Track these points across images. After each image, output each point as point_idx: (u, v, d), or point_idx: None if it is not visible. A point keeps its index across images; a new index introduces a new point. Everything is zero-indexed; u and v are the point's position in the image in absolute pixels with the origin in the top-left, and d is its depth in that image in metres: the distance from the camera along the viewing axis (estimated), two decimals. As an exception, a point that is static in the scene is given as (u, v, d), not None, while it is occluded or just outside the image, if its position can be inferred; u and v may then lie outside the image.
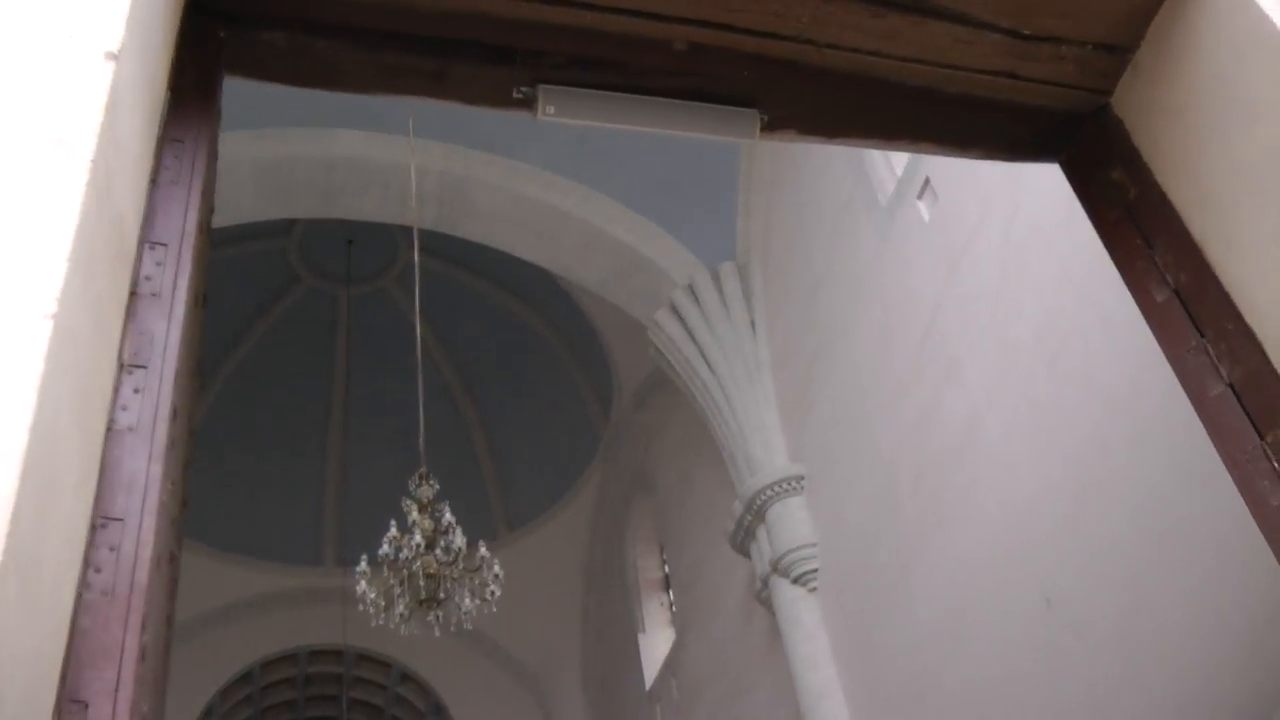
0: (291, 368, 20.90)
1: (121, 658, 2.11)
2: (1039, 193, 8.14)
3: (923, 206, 10.23)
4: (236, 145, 12.84)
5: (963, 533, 9.38)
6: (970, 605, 9.26)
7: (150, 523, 2.29)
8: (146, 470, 2.35)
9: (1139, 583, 7.20)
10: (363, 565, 11.62)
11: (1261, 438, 3.07)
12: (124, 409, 2.40)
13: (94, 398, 2.15)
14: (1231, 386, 3.20)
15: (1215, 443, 3.24)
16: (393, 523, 11.24)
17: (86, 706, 2.03)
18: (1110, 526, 7.51)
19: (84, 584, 2.15)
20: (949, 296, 9.67)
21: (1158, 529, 7.02)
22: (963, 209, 9.54)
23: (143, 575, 2.22)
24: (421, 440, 11.74)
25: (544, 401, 20.57)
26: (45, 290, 1.80)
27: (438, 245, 17.74)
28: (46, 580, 1.80)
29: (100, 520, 2.24)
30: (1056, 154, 4.05)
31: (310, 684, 23.12)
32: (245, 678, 21.92)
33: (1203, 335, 3.32)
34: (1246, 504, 3.10)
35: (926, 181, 10.15)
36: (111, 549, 2.22)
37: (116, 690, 2.07)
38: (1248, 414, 3.13)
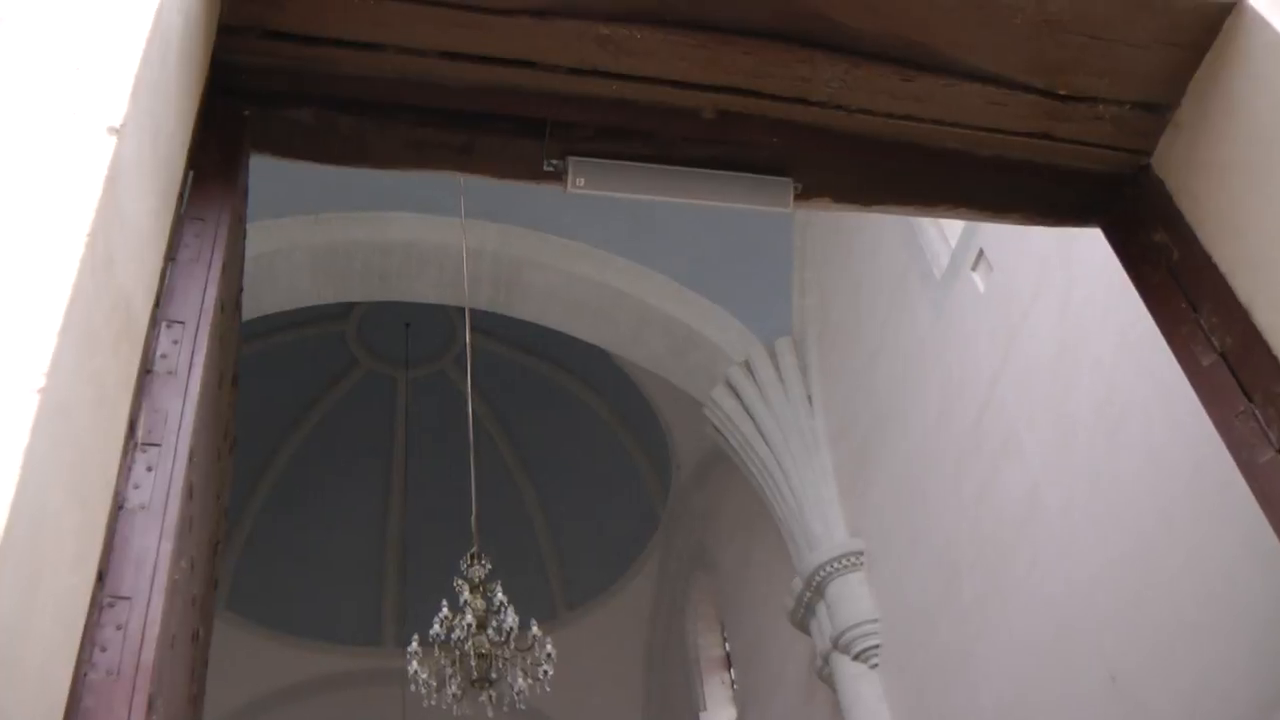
0: (351, 450, 21.03)
1: (126, 740, 2.06)
2: (1095, 261, 8.01)
3: (977, 278, 10.14)
4: (294, 231, 13.04)
5: (1024, 609, 9.17)
6: (1034, 683, 9.03)
7: (159, 601, 2.25)
8: (157, 548, 2.32)
9: (1204, 657, 6.98)
10: (414, 645, 11.56)
11: (1311, 504, 2.95)
12: (136, 487, 2.38)
13: (96, 474, 2.12)
14: (1280, 451, 3.09)
15: (1265, 511, 3.12)
16: (444, 603, 11.20)
17: (87, 790, 1.99)
18: (1175, 602, 7.29)
19: (89, 664, 2.11)
20: (1006, 369, 9.54)
21: (1222, 601, 6.81)
22: (1018, 280, 9.44)
23: (149, 655, 2.17)
24: (474, 519, 11.71)
25: (602, 480, 20.52)
26: (34, 364, 1.79)
27: (494, 326, 17.85)
28: (35, 658, 1.77)
29: (108, 599, 2.21)
30: (1097, 217, 3.97)
31: (371, 765, 22.96)
32: (307, 761, 21.81)
33: (1250, 400, 3.21)
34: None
35: (980, 253, 10.07)
36: (118, 628, 2.18)
37: (120, 774, 2.02)
38: (1299, 479, 3.01)
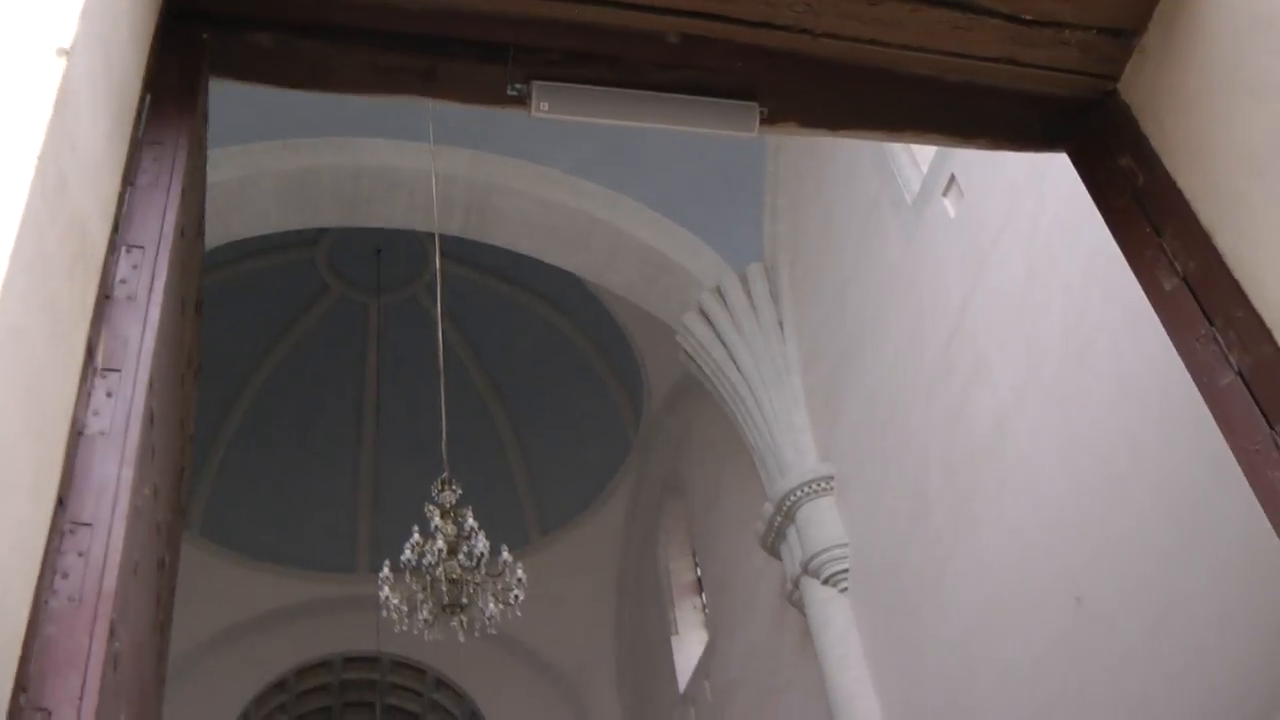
0: (323, 377, 21.00)
1: (87, 666, 2.07)
2: (1064, 187, 8.01)
3: (949, 204, 10.14)
4: (261, 157, 12.92)
5: (993, 532, 9.28)
6: (1001, 604, 9.16)
7: (121, 528, 2.25)
8: (118, 475, 2.31)
9: (1170, 580, 7.08)
10: (385, 571, 11.62)
11: (1271, 427, 2.98)
12: (95, 414, 2.37)
13: (53, 401, 2.11)
14: (1241, 375, 3.11)
15: (1224, 432, 3.15)
16: (415, 528, 11.24)
17: (50, 714, 2.00)
18: (1141, 523, 7.39)
19: (50, 591, 2.11)
20: (976, 294, 9.57)
21: (1189, 525, 6.90)
22: (989, 205, 9.44)
23: (111, 581, 2.18)
24: (444, 445, 11.72)
25: (575, 406, 20.56)
26: (-16, 292, 1.77)
27: (466, 253, 17.78)
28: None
29: (69, 526, 2.21)
30: (1064, 142, 3.97)
31: (346, 690, 23.16)
32: (280, 685, 21.97)
33: (1212, 324, 3.23)
34: (1256, 494, 3.02)
35: (952, 178, 10.06)
36: (80, 554, 2.19)
37: (81, 699, 2.03)
38: (1257, 403, 3.04)
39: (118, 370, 2.45)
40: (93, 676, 2.05)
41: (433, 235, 13.04)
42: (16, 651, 1.90)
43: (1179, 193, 3.43)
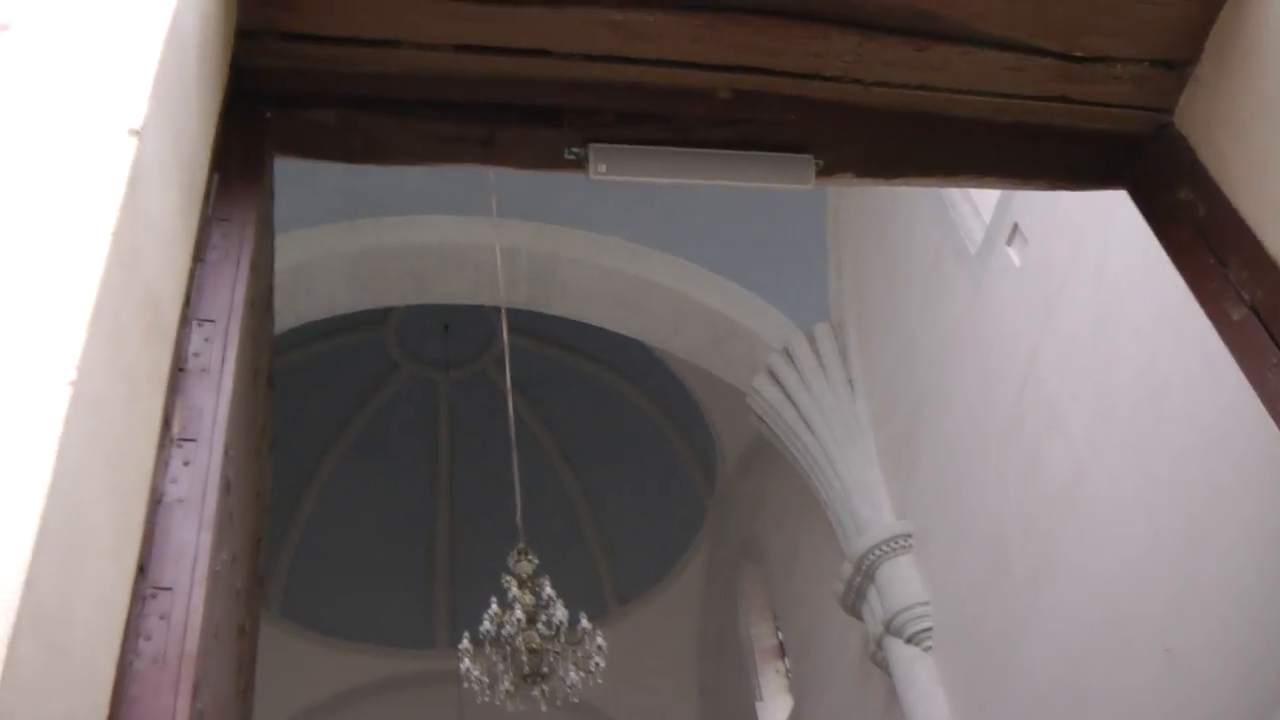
0: (396, 454, 21.18)
1: (173, 724, 2.11)
2: (1130, 229, 7.93)
3: (1013, 252, 10.09)
4: (328, 238, 13.17)
5: (1075, 585, 9.12)
6: (1088, 659, 8.98)
7: (200, 591, 2.30)
8: (196, 541, 2.37)
9: (1261, 630, 6.92)
10: (465, 643, 11.61)
11: (1348, 453, 2.93)
12: (174, 482, 2.43)
13: (131, 468, 2.17)
14: (1314, 402, 3.07)
15: (1303, 461, 3.10)
16: (493, 599, 11.25)
17: (138, 775, 2.03)
18: (1226, 570, 7.23)
19: (134, 653, 2.16)
20: (1045, 342, 9.49)
21: (1275, 570, 6.75)
22: (1053, 252, 9.38)
23: (193, 643, 2.22)
24: (518, 515, 11.75)
25: (647, 473, 20.55)
26: (65, 358, 1.83)
27: (532, 325, 17.92)
28: (80, 645, 1.82)
29: (150, 591, 2.26)
30: (1122, 179, 3.95)
31: (430, 769, 23.10)
32: (364, 764, 21.99)
33: (1284, 352, 3.19)
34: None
35: (1015, 227, 10.02)
36: (162, 617, 2.23)
37: (168, 758, 2.07)
38: (1332, 430, 3.00)
39: (194, 440, 2.51)
40: (178, 737, 2.08)
41: (499, 309, 13.17)
42: (105, 712, 1.95)
43: (1242, 221, 3.41)
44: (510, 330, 14.34)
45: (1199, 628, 7.57)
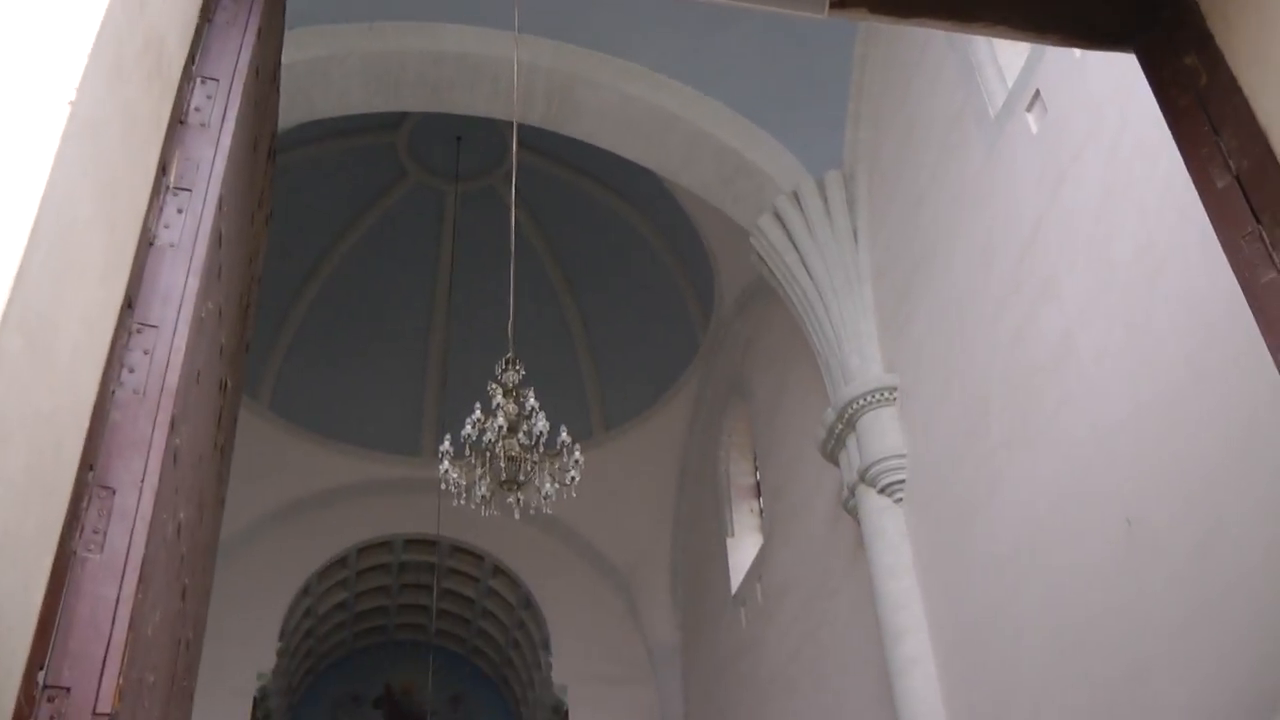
0: (397, 261, 21.25)
1: (149, 452, 2.23)
2: (1147, 108, 7.91)
3: (1031, 119, 10.03)
4: (348, 37, 13.05)
5: (1049, 450, 9.31)
6: (1052, 523, 9.21)
7: (185, 333, 2.40)
8: (184, 284, 2.46)
9: (1222, 507, 7.10)
10: (446, 445, 11.82)
11: (1310, 326, 3.01)
12: (166, 227, 2.51)
13: (124, 202, 2.25)
14: (1282, 273, 3.13)
15: (1263, 331, 3.19)
16: (477, 405, 11.42)
17: (114, 492, 2.16)
18: (1194, 447, 7.40)
19: (116, 382, 2.27)
20: (1051, 212, 9.51)
21: (1239, 450, 6.91)
22: (1071, 123, 9.33)
23: (174, 379, 2.34)
24: (510, 326, 11.84)
25: (645, 304, 20.65)
26: (66, 79, 1.90)
27: (545, 144, 17.85)
28: (64, 355, 1.92)
29: (136, 326, 2.36)
30: (1134, 41, 3.95)
31: (405, 571, 23.71)
32: (342, 561, 22.56)
33: (1259, 221, 3.25)
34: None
35: (1037, 93, 9.95)
36: (145, 352, 2.34)
37: (143, 480, 2.19)
38: (1298, 303, 3.07)
39: (189, 190, 2.59)
40: (154, 462, 2.21)
41: (512, 124, 13.09)
42: (84, 429, 2.06)
43: (1239, 91, 3.43)
44: (522, 147, 14.29)
45: (1162, 501, 7.77)
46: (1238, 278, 3.32)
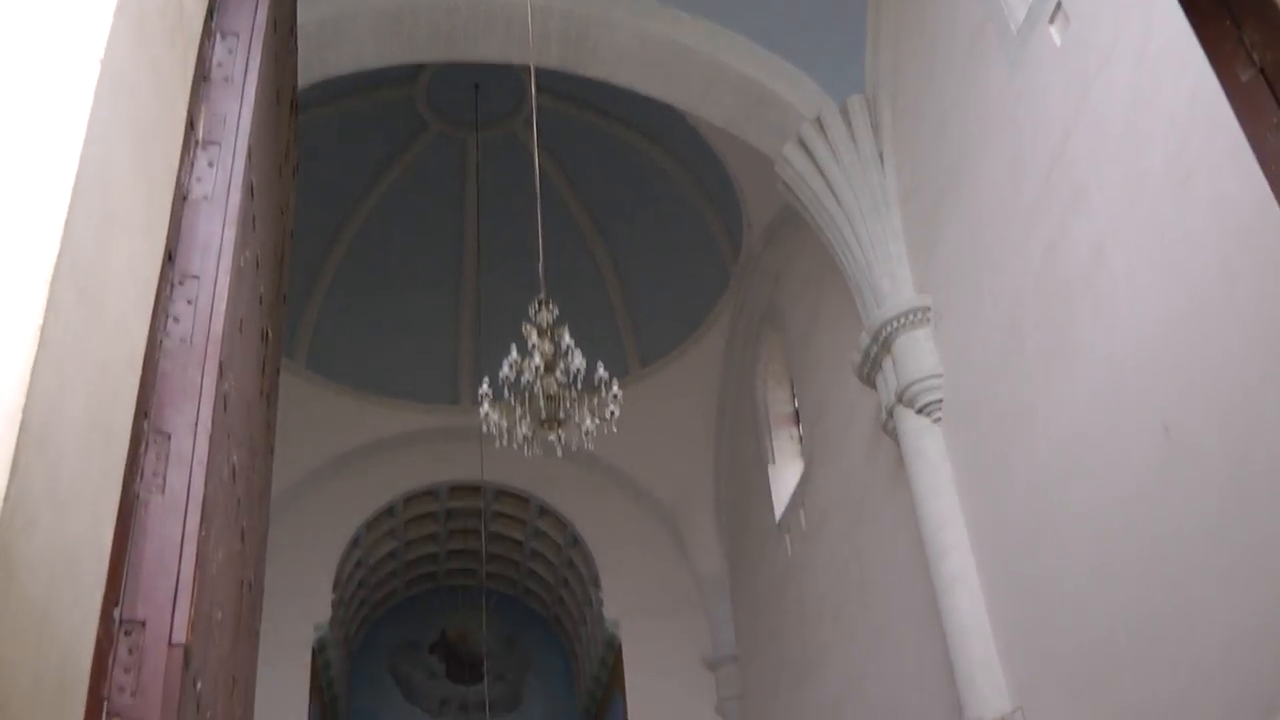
0: (423, 213, 21.27)
1: (200, 398, 2.29)
2: (1172, 15, 7.81)
3: (1054, 31, 9.92)
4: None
5: (1085, 363, 9.31)
6: (1090, 434, 9.23)
7: (225, 281, 2.46)
8: (221, 235, 2.52)
9: (1257, 413, 7.10)
10: (485, 388, 11.91)
11: (1334, 214, 3.02)
12: (199, 180, 2.57)
13: (158, 156, 2.30)
14: (1310, 162, 3.14)
15: (1290, 222, 3.19)
16: (513, 346, 11.48)
17: (169, 437, 2.23)
18: (1230, 355, 7.39)
19: (164, 332, 2.33)
20: (1079, 124, 9.43)
21: (1277, 357, 6.89)
22: (1094, 33, 9.23)
23: (219, 327, 2.40)
24: (540, 266, 11.87)
25: (674, 239, 20.61)
26: (95, 38, 1.94)
27: (563, 86, 17.77)
28: (112, 304, 1.97)
29: (179, 278, 2.42)
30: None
31: (451, 518, 23.95)
32: (389, 511, 22.81)
33: (1286, 114, 3.25)
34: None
35: (1059, 5, 9.83)
36: (189, 302, 2.41)
37: (196, 424, 2.26)
38: (1323, 192, 3.07)
39: (217, 143, 2.64)
40: (205, 408, 2.27)
41: (529, 69, 13.06)
42: (136, 378, 2.13)
43: (1262, -17, 3.42)
44: (540, 92, 14.24)
45: (1199, 408, 7.77)
46: (1264, 170, 3.32)
